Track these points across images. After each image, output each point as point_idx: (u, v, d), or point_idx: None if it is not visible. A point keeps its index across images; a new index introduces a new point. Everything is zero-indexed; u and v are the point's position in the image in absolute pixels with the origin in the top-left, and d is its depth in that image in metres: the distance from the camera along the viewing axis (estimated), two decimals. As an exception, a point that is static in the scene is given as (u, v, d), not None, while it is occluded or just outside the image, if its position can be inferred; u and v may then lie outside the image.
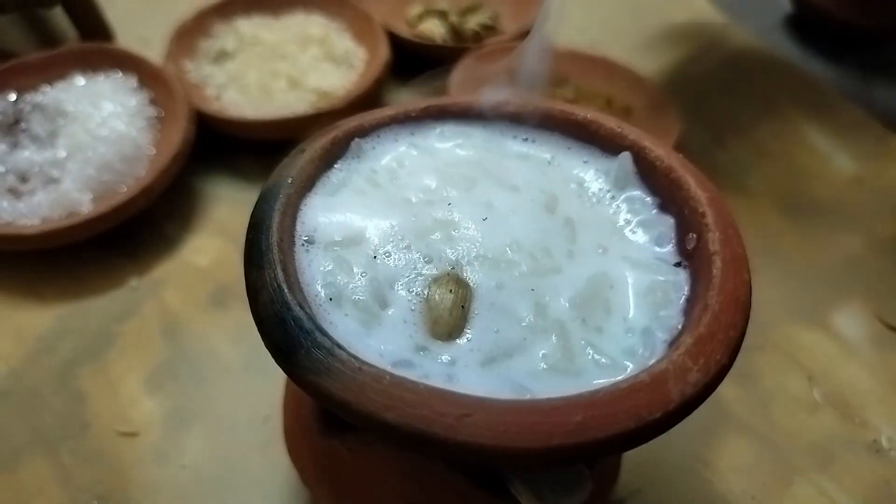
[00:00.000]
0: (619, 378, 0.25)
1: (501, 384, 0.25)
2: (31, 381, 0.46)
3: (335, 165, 0.33)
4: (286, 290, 0.25)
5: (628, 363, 0.26)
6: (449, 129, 0.36)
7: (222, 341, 0.49)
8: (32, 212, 0.51)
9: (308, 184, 0.31)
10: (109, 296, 0.51)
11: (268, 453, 0.42)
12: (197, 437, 0.43)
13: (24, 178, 0.55)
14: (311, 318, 0.25)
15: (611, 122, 0.34)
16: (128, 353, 0.47)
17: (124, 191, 0.53)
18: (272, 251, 0.27)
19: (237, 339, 0.49)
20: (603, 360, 0.26)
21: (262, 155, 0.63)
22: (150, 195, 0.53)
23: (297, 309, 0.25)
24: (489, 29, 0.76)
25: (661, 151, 0.32)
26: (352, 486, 0.34)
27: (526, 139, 0.36)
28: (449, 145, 0.35)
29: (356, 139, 0.34)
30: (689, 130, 0.66)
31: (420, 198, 0.32)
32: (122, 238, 0.54)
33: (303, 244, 0.29)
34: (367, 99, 0.63)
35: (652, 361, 0.26)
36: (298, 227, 0.29)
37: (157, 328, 0.49)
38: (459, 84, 0.65)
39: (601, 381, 0.25)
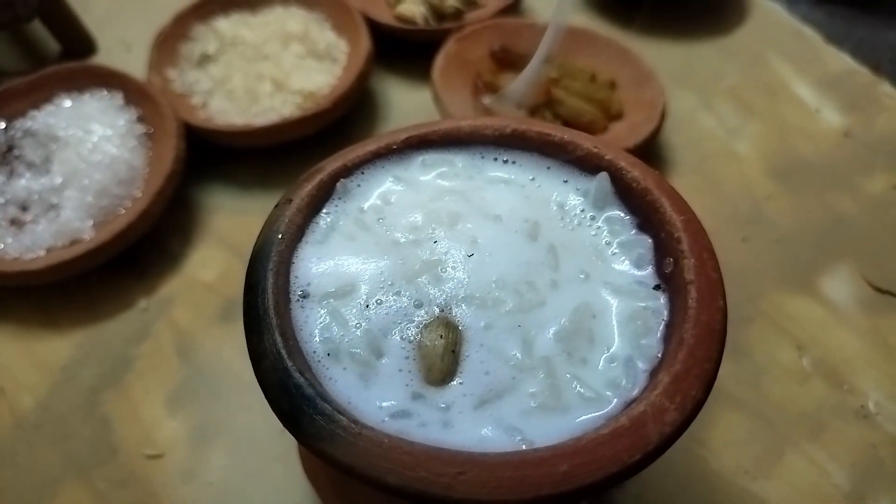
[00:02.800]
0: (602, 412, 0.27)
1: (494, 427, 0.27)
2: (59, 411, 0.48)
3: (322, 210, 0.34)
4: (286, 357, 0.27)
5: (612, 395, 0.28)
6: (431, 157, 0.37)
7: (235, 355, 0.51)
8: (36, 243, 0.53)
9: (298, 234, 0.33)
10: (122, 319, 0.53)
11: (289, 462, 0.44)
12: (220, 453, 0.46)
13: (24, 207, 0.56)
14: (311, 384, 0.26)
15: (587, 143, 0.35)
16: (146, 376, 0.50)
17: (123, 213, 0.55)
18: (269, 315, 0.28)
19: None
20: (588, 393, 0.28)
21: (255, 159, 0.64)
22: (149, 218, 0.54)
23: (297, 376, 0.27)
24: (470, 4, 0.75)
25: (637, 172, 0.33)
26: (367, 506, 0.36)
27: (507, 161, 0.37)
28: (432, 175, 0.36)
29: (341, 180, 0.35)
30: (675, 96, 0.67)
31: (407, 238, 0.33)
32: (126, 258, 0.55)
33: (298, 300, 0.30)
34: (353, 95, 0.63)
35: (634, 393, 0.28)
36: (293, 283, 0.31)
37: (171, 348, 0.51)
38: (443, 70, 0.65)
39: (587, 416, 0.27)
